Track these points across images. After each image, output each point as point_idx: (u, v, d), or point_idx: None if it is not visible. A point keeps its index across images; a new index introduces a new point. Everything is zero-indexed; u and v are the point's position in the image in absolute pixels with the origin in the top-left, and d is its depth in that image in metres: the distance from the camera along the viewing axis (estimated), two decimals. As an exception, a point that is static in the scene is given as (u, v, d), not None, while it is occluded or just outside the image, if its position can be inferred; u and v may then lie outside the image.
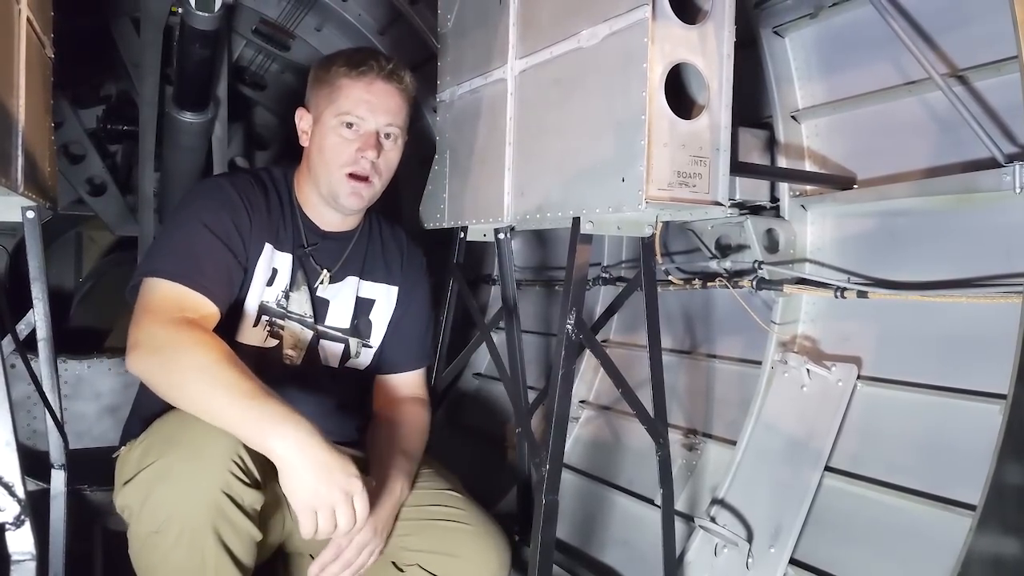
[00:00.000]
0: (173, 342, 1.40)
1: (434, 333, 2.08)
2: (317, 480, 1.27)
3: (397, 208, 3.69)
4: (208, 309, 1.53)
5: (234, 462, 1.35)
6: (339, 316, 1.81)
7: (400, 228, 1.98)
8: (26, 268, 1.79)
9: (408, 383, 1.92)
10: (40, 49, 1.69)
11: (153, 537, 1.35)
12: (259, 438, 1.29)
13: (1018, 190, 1.48)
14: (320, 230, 1.79)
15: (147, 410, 1.60)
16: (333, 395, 1.79)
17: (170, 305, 1.48)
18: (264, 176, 1.77)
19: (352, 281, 1.83)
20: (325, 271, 1.78)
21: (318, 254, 1.78)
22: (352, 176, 1.69)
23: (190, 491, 1.33)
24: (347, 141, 1.69)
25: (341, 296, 1.81)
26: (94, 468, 1.96)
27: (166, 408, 1.48)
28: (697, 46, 1.55)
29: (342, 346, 1.83)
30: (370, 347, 1.88)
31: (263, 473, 1.39)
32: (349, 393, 1.85)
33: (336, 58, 1.75)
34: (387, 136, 1.72)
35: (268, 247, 1.69)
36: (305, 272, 1.76)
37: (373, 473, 1.63)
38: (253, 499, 1.38)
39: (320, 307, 1.78)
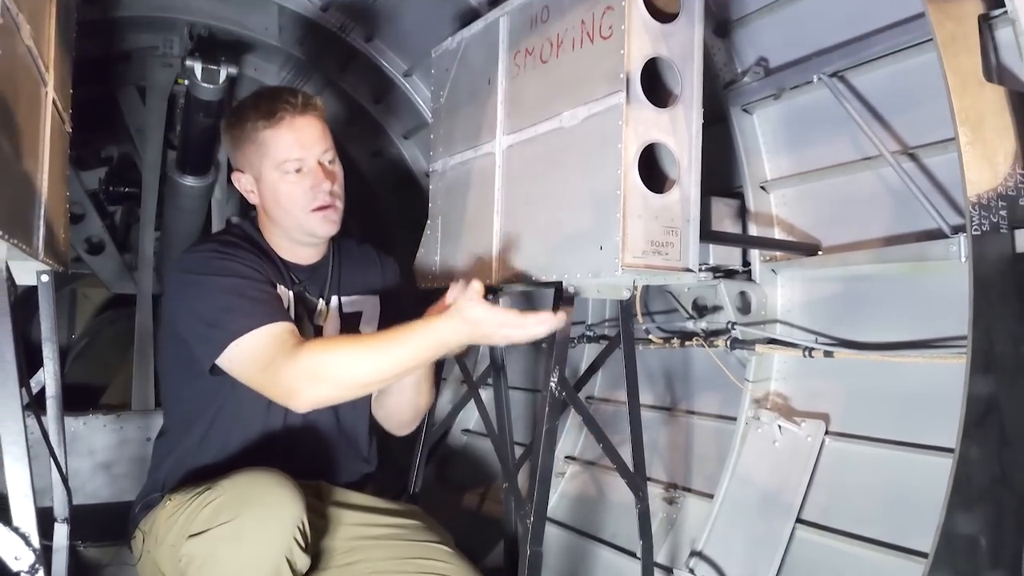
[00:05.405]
0: (314, 361, 1.54)
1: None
2: (482, 339, 1.57)
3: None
4: (296, 332, 1.64)
5: (298, 528, 1.46)
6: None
7: (367, 244, 2.07)
8: (24, 326, 1.86)
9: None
10: (61, 125, 1.81)
11: None
12: (440, 351, 1.56)
13: (963, 259, 1.60)
14: (301, 266, 1.88)
15: (185, 462, 1.74)
16: (345, 417, 1.87)
17: (276, 345, 1.58)
18: (238, 232, 1.86)
19: (334, 301, 1.92)
20: (320, 300, 1.88)
21: (309, 287, 1.88)
22: (317, 209, 1.78)
23: (256, 556, 1.44)
24: (298, 184, 1.76)
25: (329, 319, 1.90)
26: (88, 524, 2.00)
27: (206, 460, 1.69)
28: (668, 127, 1.69)
29: None
30: None
31: (314, 535, 1.52)
32: (359, 415, 1.93)
33: (245, 114, 1.78)
34: (330, 161, 1.81)
35: (279, 286, 1.79)
36: (304, 306, 1.86)
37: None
38: (304, 563, 1.49)
39: (317, 335, 1.86)
